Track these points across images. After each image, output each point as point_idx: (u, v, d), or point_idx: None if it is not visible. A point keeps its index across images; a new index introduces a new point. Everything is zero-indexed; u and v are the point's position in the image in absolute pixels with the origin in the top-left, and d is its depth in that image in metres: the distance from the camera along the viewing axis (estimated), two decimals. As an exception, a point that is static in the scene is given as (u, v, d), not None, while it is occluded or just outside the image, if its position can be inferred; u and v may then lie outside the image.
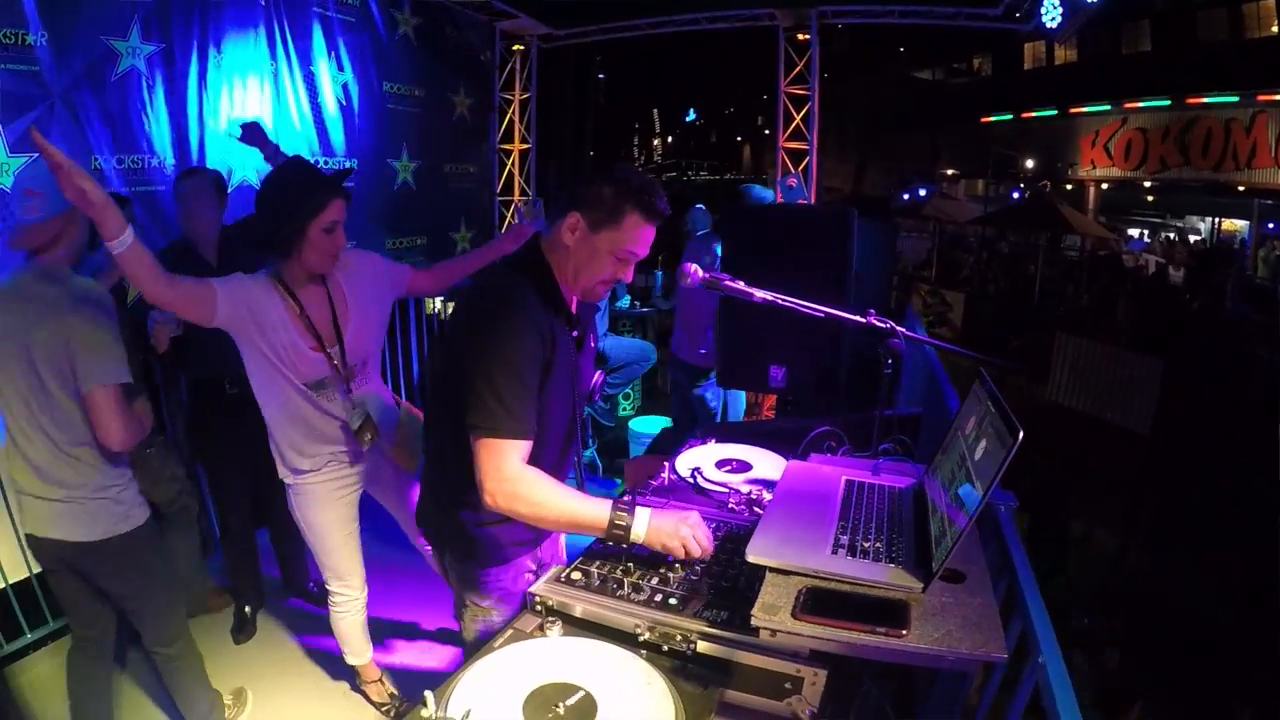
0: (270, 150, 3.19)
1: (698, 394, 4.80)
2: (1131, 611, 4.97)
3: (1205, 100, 15.61)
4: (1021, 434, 1.28)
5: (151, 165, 3.95)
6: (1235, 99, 15.03)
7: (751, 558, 1.41)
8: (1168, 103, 16.45)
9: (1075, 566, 5.57)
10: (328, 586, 2.71)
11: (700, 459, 2.16)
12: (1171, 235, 19.11)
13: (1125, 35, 18.59)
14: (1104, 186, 19.31)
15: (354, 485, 2.59)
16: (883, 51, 24.72)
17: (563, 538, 2.09)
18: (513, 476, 1.55)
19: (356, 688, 2.99)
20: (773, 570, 1.39)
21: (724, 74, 28.59)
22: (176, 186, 3.20)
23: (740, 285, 1.92)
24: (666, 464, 2.12)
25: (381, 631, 3.17)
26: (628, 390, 5.96)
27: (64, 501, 2.15)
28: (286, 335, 2.27)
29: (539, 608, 1.49)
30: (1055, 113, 19.34)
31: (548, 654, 1.33)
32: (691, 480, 2.03)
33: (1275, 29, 15.50)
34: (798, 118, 6.60)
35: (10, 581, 3.19)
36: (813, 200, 6.64)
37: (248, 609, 3.39)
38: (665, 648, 1.36)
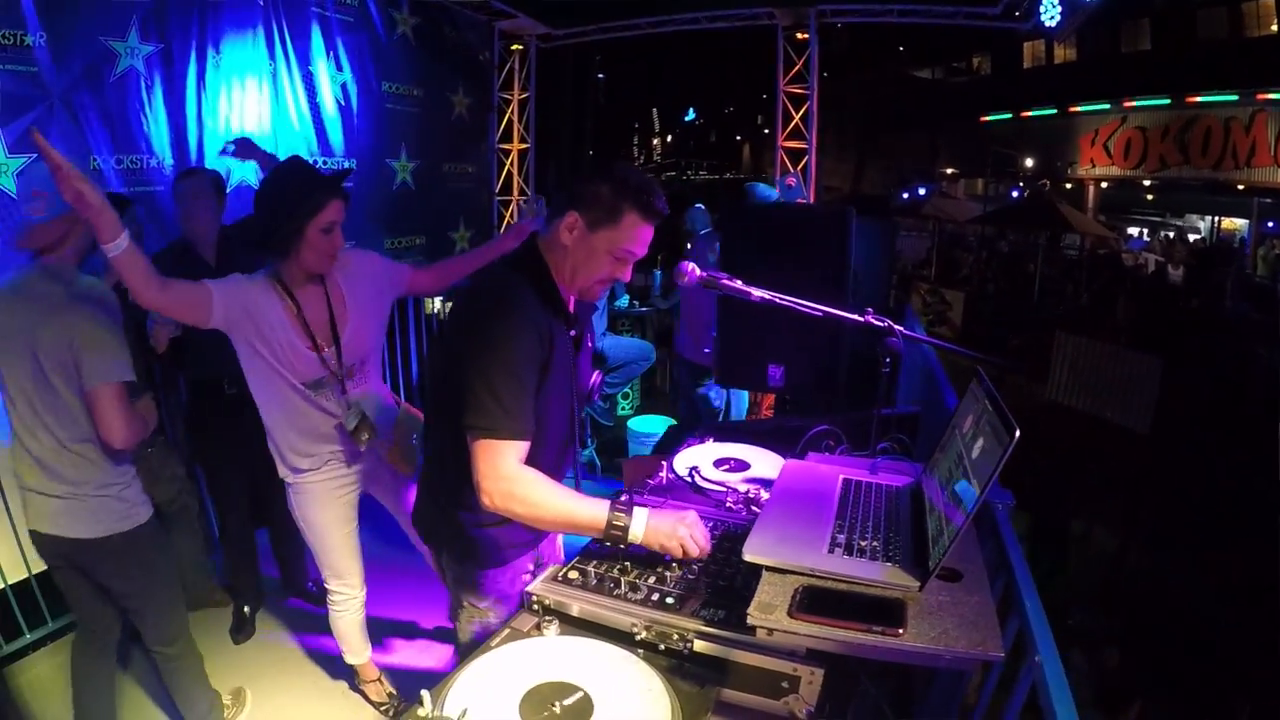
0: (266, 160, 3.19)
1: (701, 393, 4.81)
2: (1131, 610, 4.97)
3: (1205, 99, 15.60)
4: (1018, 432, 1.28)
5: (150, 165, 3.95)
6: (1235, 98, 15.02)
7: (748, 556, 1.41)
8: (1167, 101, 16.44)
9: (1075, 565, 5.57)
10: (327, 585, 2.72)
11: (698, 458, 2.16)
12: (1171, 234, 19.08)
13: (1125, 34, 18.58)
14: (1103, 185, 19.30)
15: (353, 484, 2.59)
16: (882, 50, 24.71)
17: (560, 537, 2.09)
18: (510, 477, 1.55)
19: (355, 687, 3.00)
20: (769, 569, 1.39)
21: (723, 73, 28.58)
22: (175, 187, 3.21)
23: (738, 284, 1.92)
24: (664, 463, 2.12)
25: (380, 631, 3.17)
26: (626, 390, 5.97)
27: (67, 498, 2.16)
28: (285, 335, 2.28)
29: (536, 607, 1.49)
30: (1054, 111, 19.32)
31: (544, 653, 1.33)
32: (689, 479, 2.02)
33: (1275, 27, 15.49)
34: (796, 117, 6.60)
35: (10, 582, 3.19)
36: (811, 199, 6.64)
37: (247, 609, 3.40)
38: (662, 647, 1.36)
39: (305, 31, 4.90)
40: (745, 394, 4.90)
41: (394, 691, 2.95)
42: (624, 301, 6.68)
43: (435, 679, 1.28)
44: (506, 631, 1.44)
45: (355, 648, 2.83)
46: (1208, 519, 5.31)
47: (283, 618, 3.51)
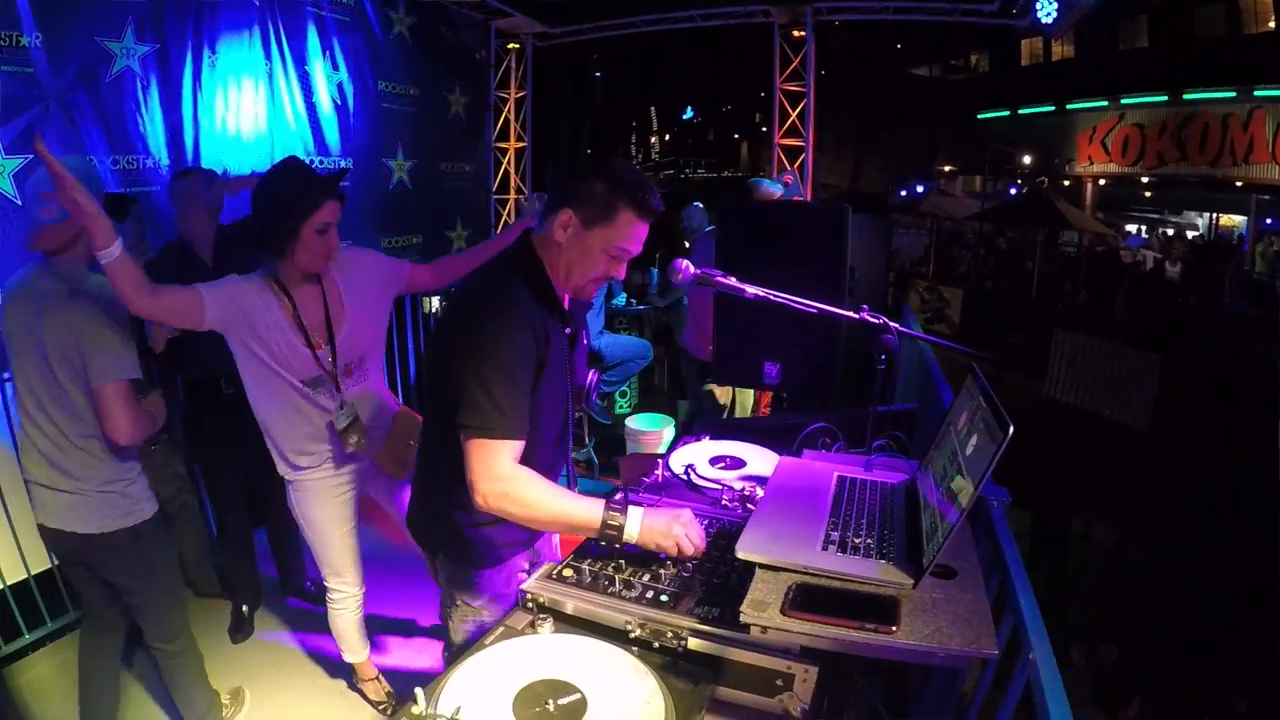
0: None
1: (706, 389, 4.81)
2: (1129, 608, 4.97)
3: (1202, 95, 15.61)
4: (1011, 428, 1.28)
5: (146, 165, 3.95)
6: (1232, 94, 15.04)
7: (741, 554, 1.42)
8: (1165, 98, 16.45)
9: (1073, 563, 5.57)
10: (325, 584, 2.72)
11: (694, 456, 2.16)
12: (1169, 231, 19.10)
13: (1122, 31, 18.59)
14: (1101, 182, 19.32)
15: (353, 483, 2.59)
16: (880, 48, 24.68)
17: (556, 534, 2.09)
18: (504, 476, 1.54)
19: (354, 686, 3.00)
20: (763, 567, 1.39)
21: (721, 71, 28.56)
22: (171, 187, 3.21)
23: (732, 281, 1.92)
24: (660, 461, 2.12)
25: (379, 629, 3.18)
26: (624, 388, 5.97)
27: (72, 493, 2.20)
28: (283, 335, 2.28)
29: (530, 604, 1.49)
30: (1052, 109, 19.35)
31: (539, 651, 1.33)
32: (685, 477, 2.02)
33: (1272, 24, 15.50)
34: (793, 114, 6.61)
35: (9, 583, 3.19)
36: (809, 197, 6.64)
37: (245, 608, 3.40)
38: (656, 645, 1.36)
39: (301, 31, 4.90)
40: (751, 391, 4.90)
41: (392, 690, 2.95)
42: (621, 300, 6.68)
43: (433, 678, 1.28)
44: (501, 629, 1.43)
45: (353, 646, 2.84)
46: (1206, 516, 5.32)
47: (281, 617, 3.51)
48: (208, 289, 2.18)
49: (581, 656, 1.32)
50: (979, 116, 21.68)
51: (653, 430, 4.87)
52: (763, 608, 1.28)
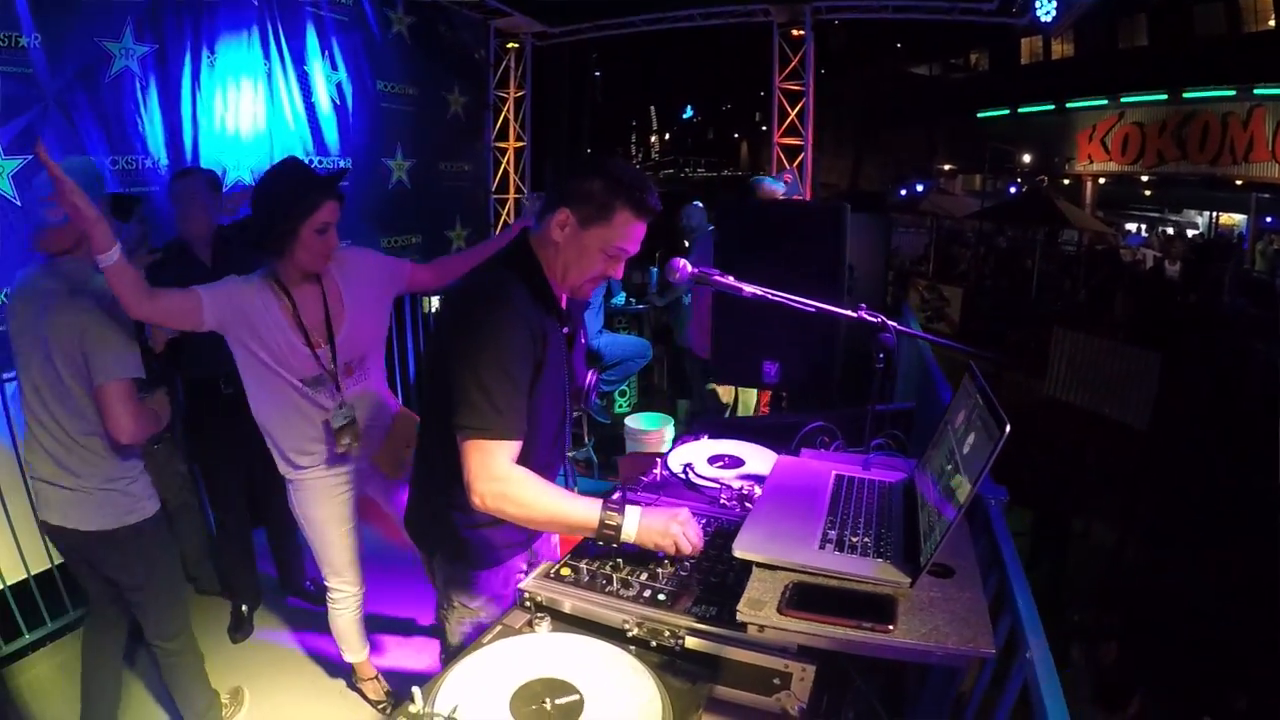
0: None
1: (709, 388, 4.82)
2: (1129, 606, 4.97)
3: (1202, 94, 15.60)
4: (1008, 427, 1.28)
5: (145, 166, 3.94)
6: (1232, 93, 15.04)
7: (738, 553, 1.42)
8: (1164, 97, 16.45)
9: (1073, 561, 5.57)
10: (326, 583, 2.72)
11: (692, 455, 2.17)
12: (1169, 229, 19.10)
13: (1122, 30, 18.59)
14: (1101, 181, 19.31)
15: (353, 482, 2.60)
16: (880, 47, 24.70)
17: (556, 535, 2.09)
18: (501, 477, 1.54)
19: (353, 685, 3.00)
20: (760, 565, 1.39)
21: (720, 71, 28.55)
22: (170, 187, 3.22)
23: (730, 280, 1.92)
24: (659, 460, 2.12)
25: (378, 629, 3.18)
26: (624, 387, 5.97)
27: (74, 490, 2.22)
28: (282, 334, 2.29)
29: (528, 603, 1.49)
30: (1052, 107, 19.34)
31: (536, 650, 1.33)
32: (683, 476, 2.02)
33: (1272, 23, 15.49)
34: (792, 114, 6.60)
35: (9, 583, 3.20)
36: (808, 196, 6.64)
37: (244, 608, 3.40)
38: (654, 643, 1.36)
39: (300, 31, 4.89)
40: (754, 391, 4.90)
41: (391, 689, 2.95)
42: (621, 299, 6.68)
43: (432, 677, 1.28)
44: (498, 628, 1.44)
45: (353, 646, 2.84)
46: (1206, 515, 5.32)
47: (280, 617, 3.51)
48: (206, 291, 2.19)
49: (579, 655, 1.32)
50: (979, 115, 21.67)
51: (652, 429, 4.87)
52: (759, 606, 1.28)
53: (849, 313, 1.93)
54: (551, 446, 1.84)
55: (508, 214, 7.32)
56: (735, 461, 2.16)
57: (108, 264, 1.95)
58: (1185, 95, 15.94)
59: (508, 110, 7.24)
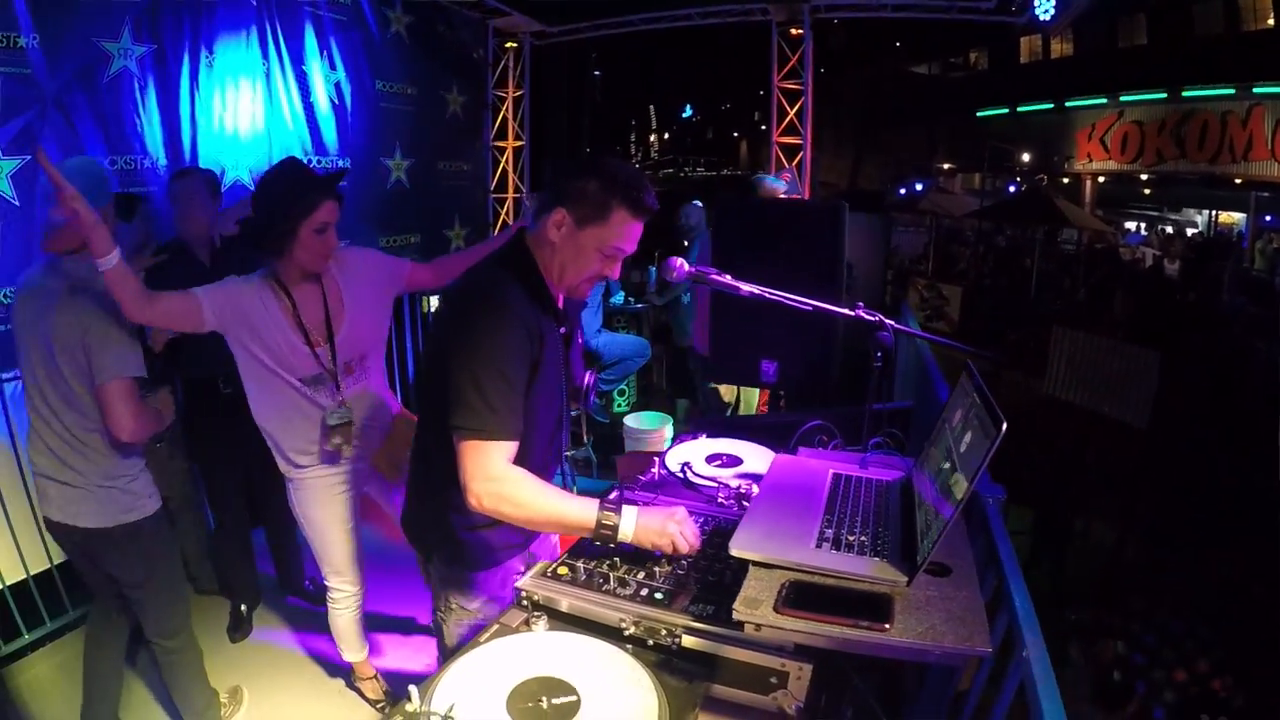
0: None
1: (711, 387, 4.81)
2: (1128, 605, 4.98)
3: (1201, 93, 15.60)
4: (1004, 425, 1.28)
5: (144, 166, 3.94)
6: (1231, 91, 15.03)
7: (735, 551, 1.42)
8: (1164, 96, 16.44)
9: (1073, 560, 5.58)
10: (326, 583, 2.72)
11: (690, 454, 2.16)
12: (1168, 228, 19.11)
13: (1121, 28, 18.58)
14: (1100, 180, 19.31)
15: (353, 481, 2.60)
16: (879, 46, 24.70)
17: (556, 535, 2.09)
18: (497, 477, 1.53)
19: (352, 685, 3.00)
20: (756, 564, 1.39)
21: (720, 70, 28.58)
22: (169, 187, 3.22)
23: (727, 279, 1.92)
24: (657, 459, 2.12)
25: (377, 628, 3.18)
26: (623, 387, 5.96)
27: (75, 486, 2.24)
28: (282, 334, 2.30)
29: (525, 602, 1.49)
30: (1052, 106, 19.34)
31: (533, 649, 1.33)
32: (681, 475, 2.02)
33: (1271, 21, 15.48)
34: (791, 113, 6.60)
35: (8, 583, 3.19)
36: (806, 195, 6.64)
37: (243, 607, 3.40)
38: (651, 642, 1.36)
39: (299, 31, 4.89)
40: (756, 390, 4.90)
41: (390, 689, 2.95)
42: (619, 298, 6.67)
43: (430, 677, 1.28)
44: (495, 627, 1.44)
45: (352, 645, 2.84)
46: (1206, 513, 5.33)
47: (279, 616, 3.51)
48: (205, 293, 2.20)
49: (576, 654, 1.32)
50: (978, 114, 21.66)
51: (651, 429, 4.86)
52: (756, 605, 1.28)
53: (846, 311, 1.93)
54: (548, 446, 1.84)
55: (506, 213, 7.32)
56: (733, 460, 2.16)
57: (107, 268, 1.97)
58: (1184, 94, 15.94)
59: (506, 110, 7.24)
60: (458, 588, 1.81)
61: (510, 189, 7.35)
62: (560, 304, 1.78)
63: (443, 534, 1.78)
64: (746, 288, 1.91)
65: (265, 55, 4.64)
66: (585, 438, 5.24)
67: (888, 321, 1.90)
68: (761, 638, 1.28)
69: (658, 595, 1.45)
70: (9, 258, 3.26)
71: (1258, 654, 4.08)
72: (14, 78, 3.31)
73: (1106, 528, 5.93)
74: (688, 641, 1.34)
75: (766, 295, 1.90)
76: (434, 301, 5.56)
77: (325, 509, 2.56)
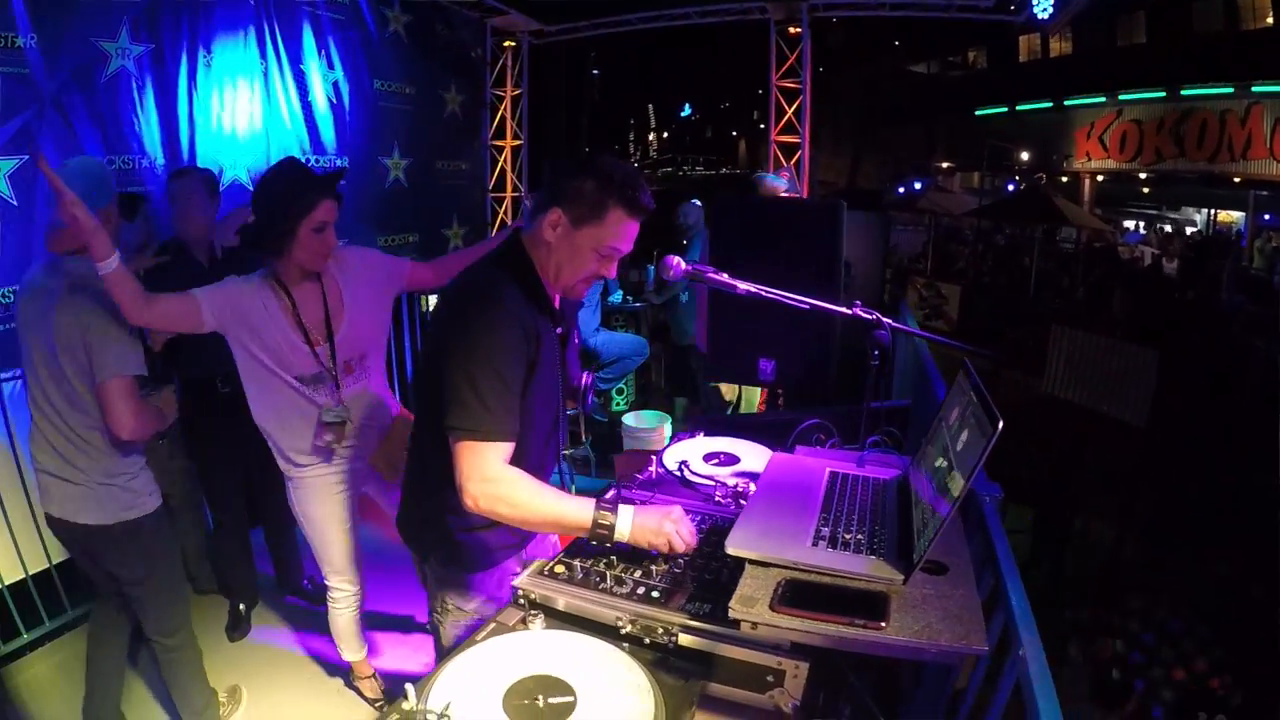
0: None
1: (711, 385, 4.82)
2: (1126, 603, 4.98)
3: (1200, 91, 15.59)
4: (1001, 423, 1.28)
5: (142, 166, 3.94)
6: (1230, 90, 15.01)
7: (731, 549, 1.42)
8: (1163, 94, 16.43)
9: (1072, 559, 5.58)
10: (325, 582, 2.73)
11: (688, 452, 2.17)
12: (1167, 227, 19.11)
13: (1120, 27, 18.56)
14: (1099, 178, 19.28)
15: (352, 480, 2.60)
16: (878, 45, 24.69)
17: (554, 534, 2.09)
18: (493, 478, 1.53)
19: (350, 684, 3.00)
20: (752, 562, 1.39)
21: (718, 69, 28.57)
22: (168, 187, 3.23)
23: (724, 278, 1.92)
24: (654, 457, 2.12)
25: (376, 627, 3.18)
26: (621, 385, 5.96)
27: (75, 483, 2.26)
28: (282, 333, 2.30)
29: (522, 601, 1.49)
30: (1050, 105, 19.31)
31: (530, 647, 1.34)
32: (678, 473, 2.03)
33: (1270, 20, 15.47)
34: (789, 111, 6.60)
35: (7, 583, 3.20)
36: (805, 194, 6.63)
37: (242, 607, 3.40)
38: (647, 641, 1.36)
39: (297, 30, 4.89)
40: (758, 388, 4.90)
41: (388, 688, 2.95)
42: (617, 297, 6.67)
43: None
44: (492, 625, 1.44)
45: (351, 645, 2.84)
46: (1205, 512, 5.33)
47: (278, 616, 3.51)
48: (204, 294, 2.20)
49: (573, 653, 1.32)
50: (977, 113, 21.64)
51: (649, 427, 4.87)
52: (752, 603, 1.28)
53: (843, 310, 1.93)
54: (545, 447, 1.84)
55: (505, 213, 7.32)
56: (730, 459, 2.16)
57: (107, 271, 1.99)
58: (1183, 93, 15.91)
59: (505, 109, 7.23)
60: (454, 588, 1.81)
61: (509, 188, 7.35)
62: (557, 304, 1.78)
63: (439, 535, 1.78)
64: (744, 286, 1.91)
65: (263, 55, 4.64)
66: (584, 437, 5.23)
67: (885, 320, 1.90)
68: (758, 636, 1.28)
69: (654, 594, 1.45)
70: (8, 258, 3.26)
71: (1256, 653, 4.09)
72: (12, 77, 3.31)
73: (1105, 526, 5.93)
74: (684, 640, 1.34)
75: (764, 294, 1.91)
76: (433, 301, 5.56)
77: (324, 508, 2.56)
